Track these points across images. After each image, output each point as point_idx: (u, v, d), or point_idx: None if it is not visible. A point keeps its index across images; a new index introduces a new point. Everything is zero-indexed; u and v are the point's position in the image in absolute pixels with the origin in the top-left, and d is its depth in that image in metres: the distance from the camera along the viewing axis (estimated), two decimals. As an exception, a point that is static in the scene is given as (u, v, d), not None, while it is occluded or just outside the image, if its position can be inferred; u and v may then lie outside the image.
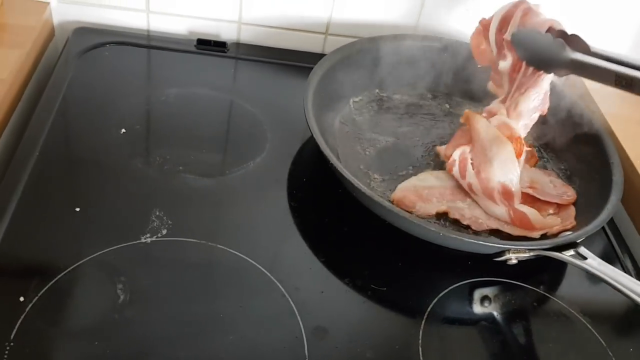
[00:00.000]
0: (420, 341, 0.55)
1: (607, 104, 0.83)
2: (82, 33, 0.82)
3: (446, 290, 0.60)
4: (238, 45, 0.86)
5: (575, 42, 0.64)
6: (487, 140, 0.68)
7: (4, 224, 0.56)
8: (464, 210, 0.68)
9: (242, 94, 0.78)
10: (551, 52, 0.64)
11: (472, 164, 0.68)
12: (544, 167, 0.76)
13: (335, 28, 0.87)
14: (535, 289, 0.63)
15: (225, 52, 0.83)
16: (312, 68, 0.72)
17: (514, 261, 0.59)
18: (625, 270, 0.66)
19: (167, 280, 0.55)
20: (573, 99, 0.78)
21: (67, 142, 0.67)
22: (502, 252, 0.59)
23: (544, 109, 0.69)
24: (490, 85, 0.75)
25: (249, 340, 0.52)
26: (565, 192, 0.70)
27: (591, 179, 0.71)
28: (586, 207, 0.68)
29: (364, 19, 0.86)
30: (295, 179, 0.68)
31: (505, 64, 0.70)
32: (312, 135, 0.64)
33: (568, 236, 0.60)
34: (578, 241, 0.60)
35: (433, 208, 0.67)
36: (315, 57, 0.76)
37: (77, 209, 0.59)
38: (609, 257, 0.67)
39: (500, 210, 0.66)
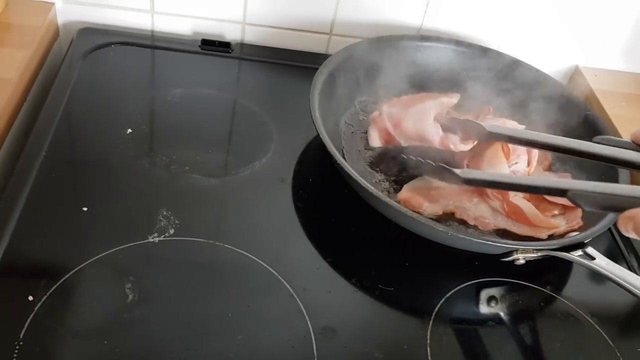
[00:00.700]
0: (428, 341, 0.55)
1: (613, 104, 0.83)
2: (87, 33, 0.81)
3: (453, 291, 0.60)
4: (242, 45, 0.86)
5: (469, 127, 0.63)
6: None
7: (12, 224, 0.56)
8: (470, 211, 0.68)
9: (247, 94, 0.78)
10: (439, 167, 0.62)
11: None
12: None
13: (339, 28, 0.87)
14: (542, 289, 0.63)
15: (230, 53, 0.83)
16: (316, 68, 0.72)
17: (522, 261, 0.59)
18: (631, 269, 0.66)
19: (175, 280, 0.55)
20: (579, 101, 0.78)
21: (73, 142, 0.67)
22: (509, 252, 0.59)
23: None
24: None
25: (258, 340, 0.52)
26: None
27: (598, 180, 0.71)
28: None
29: (369, 19, 0.86)
30: (301, 179, 0.68)
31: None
32: (317, 135, 0.64)
33: (575, 236, 0.60)
34: (586, 241, 0.60)
35: (440, 208, 0.67)
36: (319, 58, 0.77)
37: (85, 209, 0.59)
38: (615, 256, 0.67)
39: (495, 204, 0.67)
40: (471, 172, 0.60)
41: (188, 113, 0.74)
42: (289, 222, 0.63)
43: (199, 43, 0.83)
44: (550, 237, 0.65)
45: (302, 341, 0.52)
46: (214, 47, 0.83)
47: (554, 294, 0.63)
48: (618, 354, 0.58)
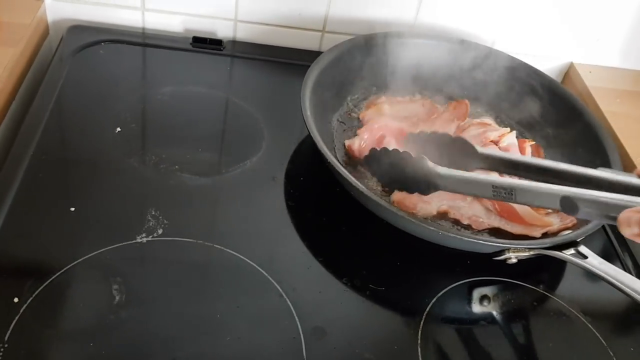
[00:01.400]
0: (419, 341, 0.54)
1: (607, 101, 0.83)
2: (77, 31, 0.81)
3: (445, 290, 0.60)
4: (234, 43, 0.86)
5: (459, 145, 0.63)
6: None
7: (-2, 224, 0.55)
8: (464, 210, 0.67)
9: (239, 92, 0.78)
10: (415, 172, 0.60)
11: None
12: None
13: (332, 25, 0.86)
14: (535, 288, 0.63)
15: (222, 50, 0.83)
16: (309, 66, 0.72)
17: (514, 260, 0.59)
18: (625, 268, 0.66)
19: (163, 281, 0.55)
20: (573, 99, 0.77)
21: (61, 141, 0.66)
22: (501, 251, 0.58)
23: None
24: None
25: (247, 341, 0.51)
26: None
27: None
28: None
29: (361, 16, 0.85)
30: (292, 177, 0.68)
31: None
32: (309, 133, 0.64)
33: (568, 235, 0.60)
34: (578, 240, 0.59)
35: (433, 208, 0.66)
36: (312, 55, 0.76)
37: (72, 209, 0.58)
38: (609, 255, 0.67)
39: (488, 203, 0.66)
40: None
41: (178, 111, 0.73)
42: (280, 221, 0.63)
43: (190, 40, 0.82)
44: (545, 235, 0.65)
45: (291, 342, 0.52)
46: (205, 44, 0.82)
47: (547, 293, 0.62)
48: (611, 353, 0.57)
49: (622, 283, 0.54)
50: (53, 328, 0.49)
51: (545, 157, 0.76)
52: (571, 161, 0.73)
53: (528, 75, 0.79)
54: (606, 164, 0.69)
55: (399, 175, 0.62)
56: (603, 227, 0.69)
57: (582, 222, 0.65)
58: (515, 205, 0.64)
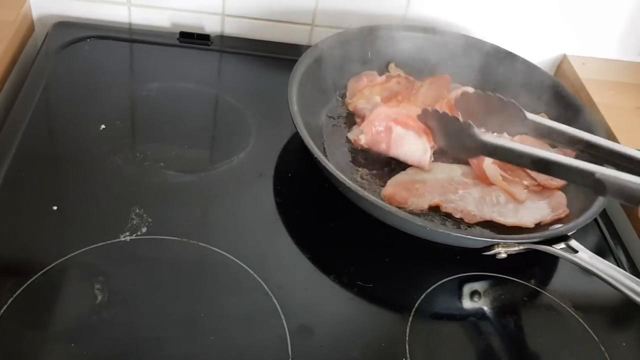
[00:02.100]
0: (407, 338, 0.54)
1: (600, 93, 0.82)
2: (62, 27, 0.80)
3: (435, 286, 0.59)
4: (222, 38, 0.85)
5: (509, 109, 0.64)
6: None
7: (-21, 224, 0.54)
8: (455, 203, 0.66)
9: (227, 87, 0.77)
10: (459, 136, 0.63)
11: None
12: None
13: (321, 19, 0.85)
14: (526, 283, 0.62)
15: (209, 45, 0.81)
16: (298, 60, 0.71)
17: (504, 255, 0.58)
18: (618, 263, 0.65)
19: (147, 280, 0.54)
20: (567, 90, 0.76)
21: (45, 139, 0.65)
22: (491, 246, 0.58)
23: None
24: None
25: (231, 340, 0.51)
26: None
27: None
28: (578, 199, 0.66)
29: (351, 9, 0.84)
30: (280, 174, 0.67)
31: None
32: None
33: (559, 229, 0.59)
34: (569, 234, 0.58)
35: (425, 202, 0.65)
36: (302, 49, 0.75)
37: (55, 208, 0.58)
38: (602, 250, 0.66)
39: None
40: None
41: (165, 108, 0.72)
42: (267, 218, 0.62)
43: (178, 36, 0.81)
44: (537, 226, 0.64)
45: (276, 341, 0.51)
46: (192, 39, 0.81)
47: (538, 288, 0.61)
48: (602, 348, 0.56)
49: (612, 278, 0.53)
50: (34, 328, 0.49)
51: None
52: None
53: (518, 67, 0.78)
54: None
55: (450, 138, 0.65)
56: (596, 221, 0.68)
57: (574, 214, 0.64)
58: (487, 171, 0.66)
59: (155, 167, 0.63)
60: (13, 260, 0.53)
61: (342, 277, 0.57)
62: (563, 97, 0.76)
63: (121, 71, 0.77)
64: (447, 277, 0.60)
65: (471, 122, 0.62)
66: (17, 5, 0.78)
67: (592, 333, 0.58)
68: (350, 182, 0.59)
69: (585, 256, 0.55)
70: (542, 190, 0.69)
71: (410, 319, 0.55)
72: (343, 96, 0.77)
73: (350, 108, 0.75)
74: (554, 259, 0.64)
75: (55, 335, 0.49)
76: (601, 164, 0.57)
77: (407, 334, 0.54)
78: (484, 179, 0.68)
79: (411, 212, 0.63)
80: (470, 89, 0.76)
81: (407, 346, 0.53)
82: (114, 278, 0.53)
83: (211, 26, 0.84)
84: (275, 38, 0.86)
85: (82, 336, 0.49)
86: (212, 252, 0.56)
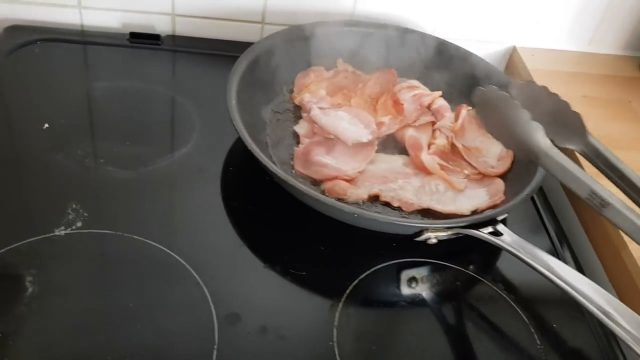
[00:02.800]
0: (335, 323, 0.54)
1: (548, 83, 0.82)
2: (14, 31, 0.81)
3: (368, 272, 0.60)
4: (174, 37, 0.86)
5: (572, 119, 0.59)
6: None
7: None
8: (395, 192, 0.67)
9: (176, 86, 0.78)
10: (523, 132, 0.54)
11: None
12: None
13: (272, 17, 0.86)
14: (463, 269, 0.63)
15: (159, 45, 0.83)
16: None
17: (434, 240, 0.59)
18: (554, 246, 0.66)
19: (78, 272, 0.55)
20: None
21: (-13, 140, 0.66)
22: (421, 232, 0.58)
23: None
24: None
25: (157, 329, 0.51)
26: (492, 166, 0.70)
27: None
28: (516, 186, 0.67)
29: (301, 6, 0.85)
30: (221, 168, 0.67)
31: None
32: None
33: (487, 214, 0.60)
34: (499, 218, 0.59)
35: (365, 192, 0.66)
36: (253, 47, 0.76)
37: (-10, 205, 0.59)
38: (537, 233, 0.67)
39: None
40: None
41: (111, 107, 0.73)
42: (205, 211, 0.63)
43: (128, 36, 0.82)
44: (474, 213, 0.65)
45: (204, 328, 0.52)
46: (142, 40, 0.82)
47: (474, 274, 0.62)
48: (532, 330, 0.57)
49: (535, 260, 0.54)
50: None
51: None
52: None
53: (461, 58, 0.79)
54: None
55: (507, 130, 0.57)
56: (532, 200, 0.70)
57: (509, 200, 0.65)
58: (424, 160, 0.68)
59: (95, 164, 0.64)
60: (-55, 256, 0.54)
61: (275, 266, 0.58)
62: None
63: (71, 73, 0.78)
64: (381, 264, 0.61)
65: (540, 125, 0.54)
66: (-32, 10, 0.79)
67: (523, 316, 0.58)
68: (282, 172, 0.60)
69: (508, 239, 0.56)
70: (482, 178, 0.70)
71: (341, 304, 0.56)
72: (290, 91, 0.78)
73: (296, 102, 0.76)
74: (490, 245, 0.64)
75: (-18, 326, 0.49)
76: None
77: (336, 319, 0.55)
78: (422, 169, 0.69)
79: (352, 203, 0.64)
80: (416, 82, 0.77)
81: (334, 330, 0.54)
82: (46, 271, 0.54)
83: (162, 26, 0.85)
84: (226, 36, 0.87)
85: (9, 326, 0.49)
86: (145, 245, 0.57)
